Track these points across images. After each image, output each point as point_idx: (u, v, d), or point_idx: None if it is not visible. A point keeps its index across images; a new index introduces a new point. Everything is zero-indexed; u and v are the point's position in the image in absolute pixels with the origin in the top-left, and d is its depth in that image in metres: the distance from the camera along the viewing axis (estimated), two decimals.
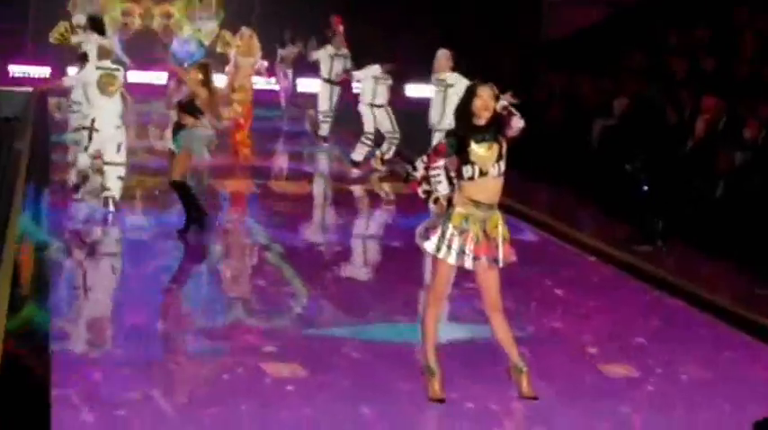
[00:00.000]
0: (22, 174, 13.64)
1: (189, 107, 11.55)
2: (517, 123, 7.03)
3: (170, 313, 9.41)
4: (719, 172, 13.29)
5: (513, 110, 7.19)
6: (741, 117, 13.83)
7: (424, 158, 7.19)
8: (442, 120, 13.85)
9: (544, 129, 17.56)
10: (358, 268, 11.62)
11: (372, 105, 17.12)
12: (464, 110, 7.13)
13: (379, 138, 17.25)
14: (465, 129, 7.08)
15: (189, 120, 11.44)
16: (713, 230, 12.59)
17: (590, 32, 21.18)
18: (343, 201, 14.60)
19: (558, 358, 8.20)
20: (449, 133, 7.30)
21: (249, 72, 17.29)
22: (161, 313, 9.24)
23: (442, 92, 14.30)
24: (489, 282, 7.19)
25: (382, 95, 17.17)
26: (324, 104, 18.94)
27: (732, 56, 16.27)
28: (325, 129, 19.06)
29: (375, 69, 17.14)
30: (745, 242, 11.98)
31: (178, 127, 11.55)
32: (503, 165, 7.08)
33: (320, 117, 19.12)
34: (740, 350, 8.91)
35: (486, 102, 6.99)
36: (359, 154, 17.17)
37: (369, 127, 17.18)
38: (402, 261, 11.27)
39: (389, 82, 17.13)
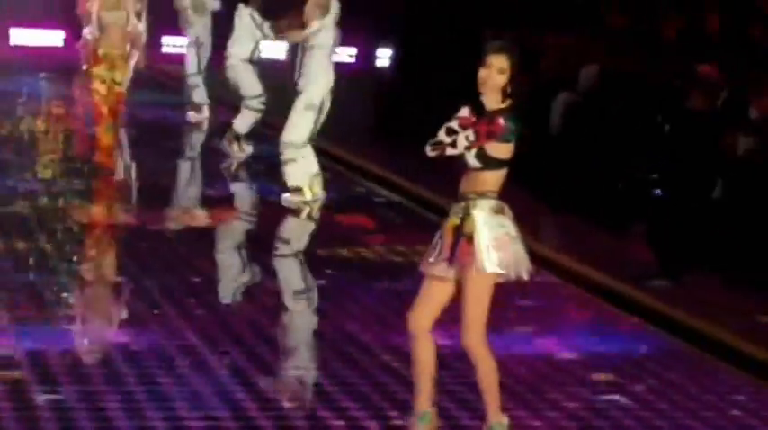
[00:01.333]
0: None
1: None
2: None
3: None
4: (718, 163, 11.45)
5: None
6: (746, 92, 12.22)
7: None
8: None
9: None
10: None
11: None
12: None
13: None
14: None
15: None
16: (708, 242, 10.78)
17: None
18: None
19: None
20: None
21: (119, 35, 12.96)
22: None
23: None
24: (463, 290, 6.11)
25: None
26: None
27: (744, 14, 15.34)
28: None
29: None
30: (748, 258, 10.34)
31: None
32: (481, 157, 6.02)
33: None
34: None
35: (491, 74, 5.84)
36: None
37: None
38: None
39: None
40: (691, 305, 9.34)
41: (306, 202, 12.85)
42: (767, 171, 11.16)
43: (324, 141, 13.26)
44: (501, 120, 5.93)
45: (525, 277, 6.12)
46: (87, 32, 13.63)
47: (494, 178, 6.04)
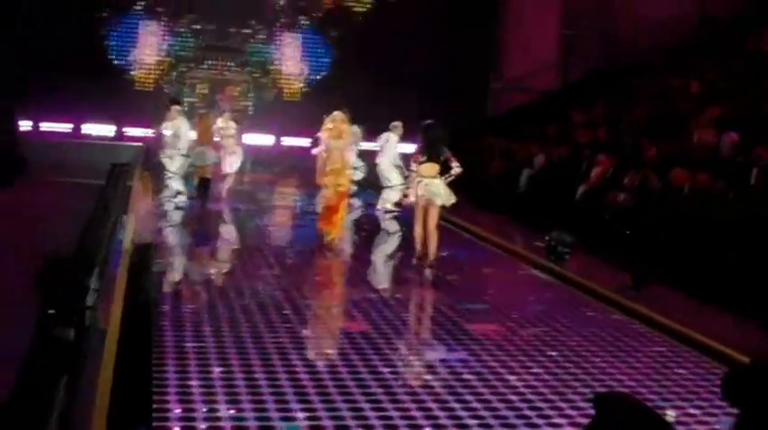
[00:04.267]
0: (131, 204, 14.69)
1: None
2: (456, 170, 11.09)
3: None
4: (607, 207, 13.95)
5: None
6: (624, 169, 14.46)
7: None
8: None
9: (488, 176, 19.02)
10: None
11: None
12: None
13: None
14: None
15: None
16: (604, 243, 13.02)
17: (521, 111, 22.32)
18: None
19: None
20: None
21: (340, 155, 12.69)
22: None
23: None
24: (431, 210, 11.27)
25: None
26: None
27: (618, 127, 17.17)
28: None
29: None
30: (632, 257, 12.04)
31: None
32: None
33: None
34: None
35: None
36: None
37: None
38: None
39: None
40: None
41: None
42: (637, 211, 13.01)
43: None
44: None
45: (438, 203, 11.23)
46: (317, 151, 13.60)
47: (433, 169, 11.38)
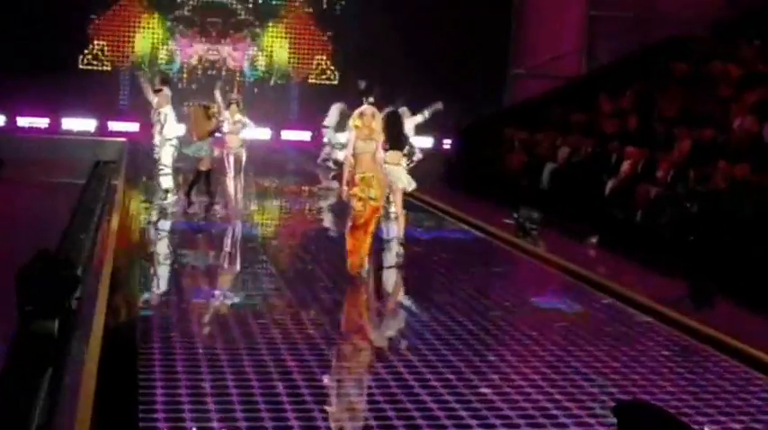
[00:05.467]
0: (116, 204, 14.77)
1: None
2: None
3: None
4: (639, 202, 14.30)
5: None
6: (655, 162, 14.82)
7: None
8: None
9: (507, 171, 19.26)
10: None
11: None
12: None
13: None
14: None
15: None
16: (634, 247, 13.36)
17: (543, 99, 22.25)
18: None
19: None
20: None
21: (369, 160, 11.29)
22: None
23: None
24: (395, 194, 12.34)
25: None
26: None
27: (650, 116, 17.27)
28: None
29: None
30: (661, 257, 12.64)
31: None
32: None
33: None
34: None
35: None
36: None
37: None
38: None
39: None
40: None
41: None
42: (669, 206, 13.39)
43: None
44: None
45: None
46: (343, 156, 12.38)
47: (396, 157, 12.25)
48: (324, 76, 28.94)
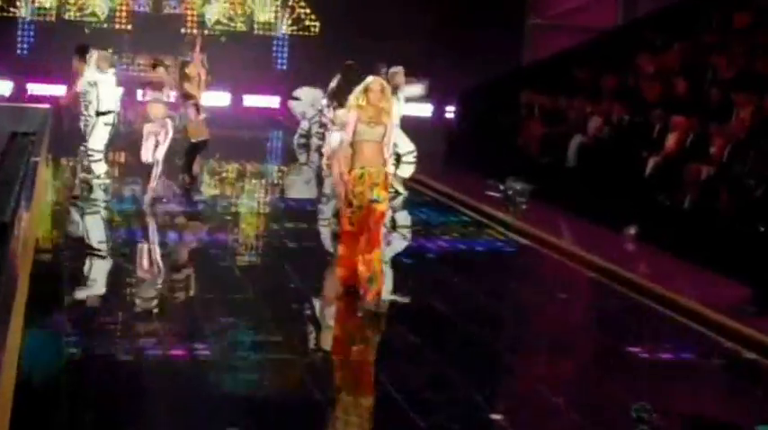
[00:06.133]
0: (38, 184, 14.56)
1: None
2: None
3: None
4: (687, 185, 14.48)
5: None
6: (708, 135, 14.97)
7: None
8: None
9: (524, 145, 19.42)
10: None
11: None
12: None
13: None
14: None
15: None
16: (682, 240, 13.50)
17: (569, 56, 22.47)
18: None
19: None
20: None
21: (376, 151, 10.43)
22: None
23: None
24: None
25: None
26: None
27: (702, 79, 17.28)
28: None
29: None
30: (714, 248, 12.81)
31: None
32: None
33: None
34: None
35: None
36: None
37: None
38: None
39: None
40: None
41: None
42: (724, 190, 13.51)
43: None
44: None
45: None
46: (336, 142, 12.47)
47: None
48: (299, 27, 28.39)
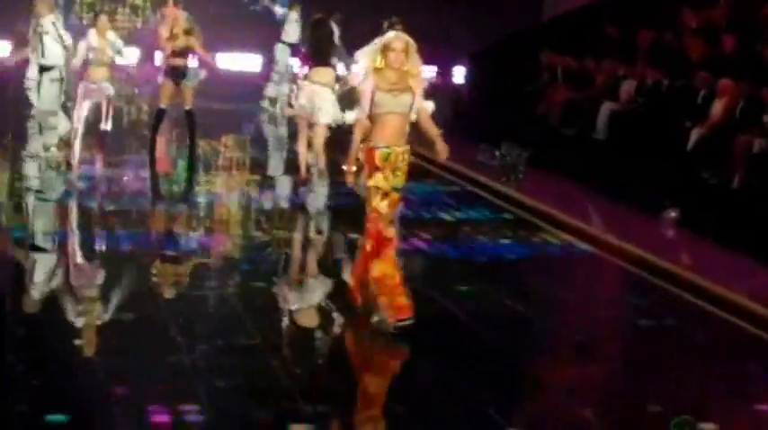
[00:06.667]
0: None
1: None
2: None
3: None
4: (737, 160, 14.73)
5: None
6: (762, 101, 15.20)
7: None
8: None
9: (547, 113, 19.59)
10: None
11: None
12: None
13: None
14: None
15: None
16: (731, 225, 13.74)
17: (597, 9, 22.53)
18: None
19: None
20: None
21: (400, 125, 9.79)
22: None
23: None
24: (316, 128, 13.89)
25: None
26: None
27: (755, 36, 17.47)
28: None
29: None
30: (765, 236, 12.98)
31: None
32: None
33: None
34: None
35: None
36: None
37: None
38: None
39: None
40: None
41: None
42: None
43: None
44: None
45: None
46: (354, 118, 11.24)
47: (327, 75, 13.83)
48: None
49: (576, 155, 17.15)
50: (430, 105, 11.36)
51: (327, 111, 14.69)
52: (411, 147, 9.78)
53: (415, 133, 9.83)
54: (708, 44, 17.99)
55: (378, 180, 9.55)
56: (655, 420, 8.15)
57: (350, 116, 13.24)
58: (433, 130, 9.84)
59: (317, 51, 14.90)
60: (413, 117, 9.68)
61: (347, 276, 10.06)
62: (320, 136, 14.97)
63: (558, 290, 12.20)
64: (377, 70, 9.56)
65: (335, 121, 14.76)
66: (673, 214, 14.67)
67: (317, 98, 14.67)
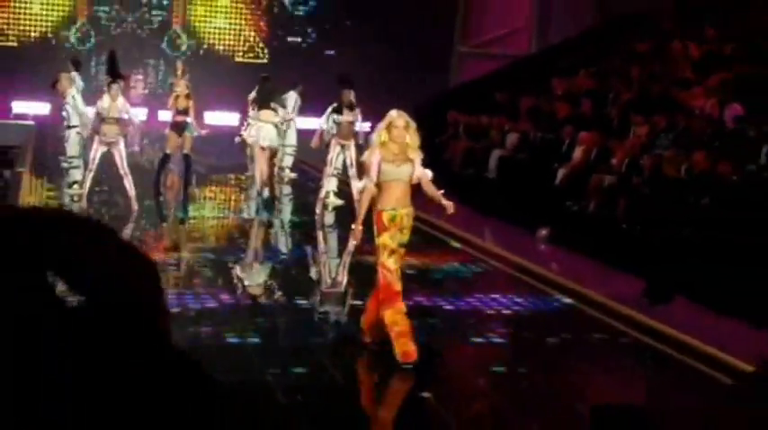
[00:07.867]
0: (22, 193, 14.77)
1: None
2: None
3: None
4: (592, 192, 14.61)
5: None
6: (610, 149, 15.22)
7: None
8: None
9: (451, 159, 19.43)
10: None
11: None
12: None
13: None
14: None
15: None
16: (588, 240, 13.65)
17: (490, 80, 22.71)
18: None
19: None
20: None
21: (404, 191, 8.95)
22: None
23: None
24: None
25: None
26: None
27: (605, 100, 17.79)
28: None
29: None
30: (615, 248, 12.96)
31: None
32: None
33: None
34: None
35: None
36: None
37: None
38: None
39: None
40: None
41: None
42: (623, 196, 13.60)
43: None
44: None
45: None
46: (362, 185, 9.33)
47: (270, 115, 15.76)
48: (252, 54, 28.66)
49: (473, 191, 17.19)
50: (428, 173, 9.75)
51: (270, 138, 16.46)
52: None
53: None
54: (571, 106, 18.14)
55: (385, 238, 8.66)
56: None
57: (358, 185, 11.00)
58: (435, 193, 9.05)
59: (263, 99, 16.82)
60: (414, 181, 8.83)
61: (361, 319, 9.06)
62: (262, 164, 16.45)
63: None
64: (382, 144, 8.72)
65: (271, 146, 16.47)
66: (543, 232, 14.66)
67: (261, 131, 16.40)
